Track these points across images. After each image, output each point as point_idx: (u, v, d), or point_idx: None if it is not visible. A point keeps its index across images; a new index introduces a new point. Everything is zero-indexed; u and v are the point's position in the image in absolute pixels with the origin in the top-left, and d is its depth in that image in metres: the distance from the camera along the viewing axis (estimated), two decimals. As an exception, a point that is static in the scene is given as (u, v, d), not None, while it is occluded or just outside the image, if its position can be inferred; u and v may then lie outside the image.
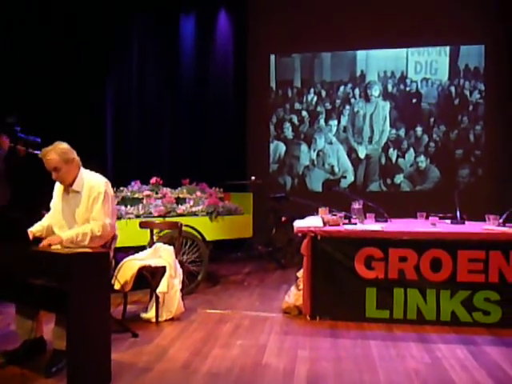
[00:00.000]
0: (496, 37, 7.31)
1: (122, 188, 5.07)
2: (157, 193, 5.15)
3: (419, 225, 4.22)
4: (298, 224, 4.13)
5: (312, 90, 7.94)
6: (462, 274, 3.68)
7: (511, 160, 7.25)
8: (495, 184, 7.35)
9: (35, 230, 3.17)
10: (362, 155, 7.82)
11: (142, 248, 4.18)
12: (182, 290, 4.02)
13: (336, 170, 7.88)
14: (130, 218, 4.65)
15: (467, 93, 7.58)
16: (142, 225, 4.35)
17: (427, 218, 4.53)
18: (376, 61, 7.76)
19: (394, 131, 7.74)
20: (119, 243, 3.53)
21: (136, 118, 7.15)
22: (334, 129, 7.89)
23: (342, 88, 7.87)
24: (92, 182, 3.20)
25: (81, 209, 3.16)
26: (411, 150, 7.69)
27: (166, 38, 7.50)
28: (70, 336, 2.54)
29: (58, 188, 3.30)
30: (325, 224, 4.01)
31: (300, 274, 4.08)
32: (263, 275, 5.77)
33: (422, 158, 7.67)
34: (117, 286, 3.53)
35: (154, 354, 3.14)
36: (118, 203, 4.76)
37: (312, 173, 7.94)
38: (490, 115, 7.48)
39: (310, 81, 7.95)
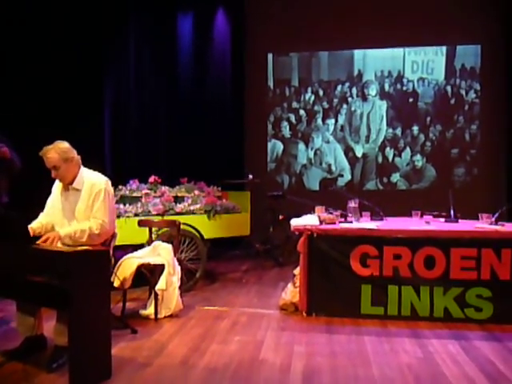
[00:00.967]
0: (492, 37, 7.39)
1: (120, 187, 5.12)
2: (155, 191, 5.20)
3: (413, 223, 4.30)
4: (295, 222, 4.19)
5: (309, 89, 8.00)
6: (455, 272, 3.75)
7: (506, 159, 7.33)
8: (490, 183, 7.43)
9: (35, 226, 3.21)
10: (358, 154, 7.89)
11: (140, 246, 4.24)
12: (180, 287, 4.07)
13: (333, 168, 7.95)
14: (128, 217, 4.70)
15: (463, 92, 7.65)
16: (141, 223, 4.40)
17: (422, 216, 4.61)
18: (373, 60, 7.83)
19: (390, 130, 7.81)
20: (118, 241, 3.58)
21: (134, 117, 7.18)
22: (332, 128, 7.95)
23: (339, 87, 7.93)
24: (93, 181, 3.26)
25: (80, 206, 3.22)
26: (407, 149, 7.77)
27: (163, 37, 7.53)
28: (71, 332, 2.60)
29: (58, 186, 3.35)
30: (321, 222, 4.08)
31: (297, 271, 4.14)
32: (261, 273, 5.84)
33: (419, 156, 7.74)
34: (116, 284, 3.59)
35: (154, 350, 3.20)
36: (117, 202, 4.81)
37: (309, 171, 8.01)
38: (486, 115, 7.55)
39: (308, 80, 8.01)
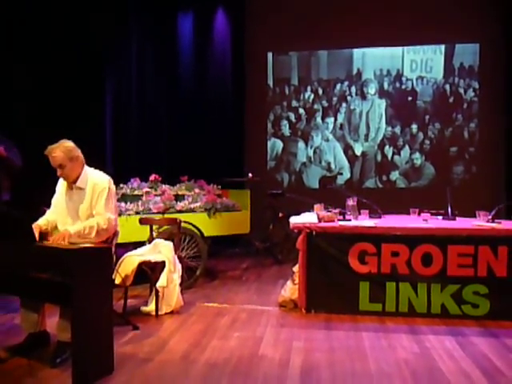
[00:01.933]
0: (491, 35, 7.42)
1: (121, 185, 5.16)
2: (156, 190, 5.25)
3: (411, 221, 4.34)
4: (294, 220, 4.24)
5: (309, 88, 8.04)
6: (452, 269, 3.81)
7: (504, 157, 7.37)
8: (489, 181, 7.48)
9: (42, 223, 3.27)
10: (358, 152, 7.93)
11: (141, 244, 4.29)
12: (181, 284, 4.13)
13: (332, 166, 7.99)
14: (129, 215, 4.74)
15: (462, 91, 7.69)
16: (142, 221, 4.46)
17: (419, 214, 4.65)
18: (372, 59, 7.86)
19: (389, 129, 7.85)
20: (120, 239, 3.62)
21: (135, 116, 7.23)
22: (331, 126, 7.99)
23: (338, 86, 7.97)
24: (96, 179, 3.31)
25: (84, 205, 3.27)
26: (406, 147, 7.81)
27: (164, 36, 7.58)
28: (74, 328, 2.65)
29: (62, 185, 3.40)
30: (320, 220, 4.12)
31: (296, 268, 4.19)
32: (260, 270, 5.89)
33: (417, 155, 7.78)
34: (118, 281, 3.64)
35: (155, 346, 3.25)
36: (118, 200, 4.83)
37: (309, 170, 8.05)
38: (484, 113, 7.59)
39: (307, 79, 8.05)
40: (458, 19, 7.40)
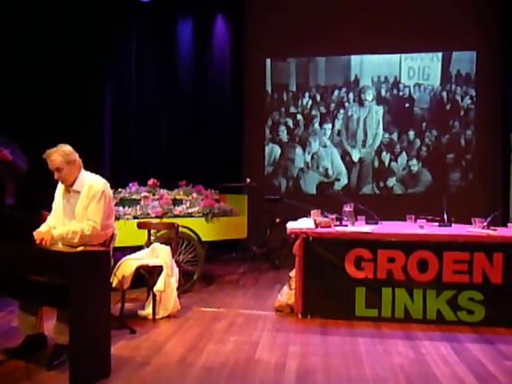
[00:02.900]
0: (487, 43, 7.48)
1: (120, 189, 5.19)
2: (154, 194, 5.27)
3: (407, 227, 4.37)
4: (291, 225, 4.27)
5: (307, 94, 8.08)
6: (448, 275, 3.84)
7: (501, 164, 7.42)
8: (485, 188, 7.52)
9: (44, 230, 3.29)
10: (355, 158, 7.97)
11: (139, 248, 4.30)
12: (178, 288, 4.14)
13: (330, 172, 8.03)
14: (127, 219, 4.76)
15: (459, 98, 7.74)
16: (140, 225, 4.47)
17: (416, 220, 4.68)
18: (370, 66, 7.92)
19: (387, 135, 7.89)
20: (117, 243, 3.65)
21: (134, 121, 7.24)
22: (329, 132, 8.03)
23: (336, 92, 8.01)
24: (91, 182, 3.34)
25: (79, 208, 3.30)
26: (404, 153, 7.85)
27: (163, 42, 7.60)
28: (72, 330, 2.66)
29: (60, 188, 3.43)
30: (317, 226, 4.15)
31: (292, 273, 4.22)
32: (257, 275, 5.90)
33: (414, 161, 7.82)
34: (115, 284, 3.65)
35: (152, 349, 3.27)
36: (116, 204, 4.87)
37: (306, 175, 8.08)
38: (481, 120, 7.64)
39: (305, 85, 8.09)
40: (455, 27, 7.47)
